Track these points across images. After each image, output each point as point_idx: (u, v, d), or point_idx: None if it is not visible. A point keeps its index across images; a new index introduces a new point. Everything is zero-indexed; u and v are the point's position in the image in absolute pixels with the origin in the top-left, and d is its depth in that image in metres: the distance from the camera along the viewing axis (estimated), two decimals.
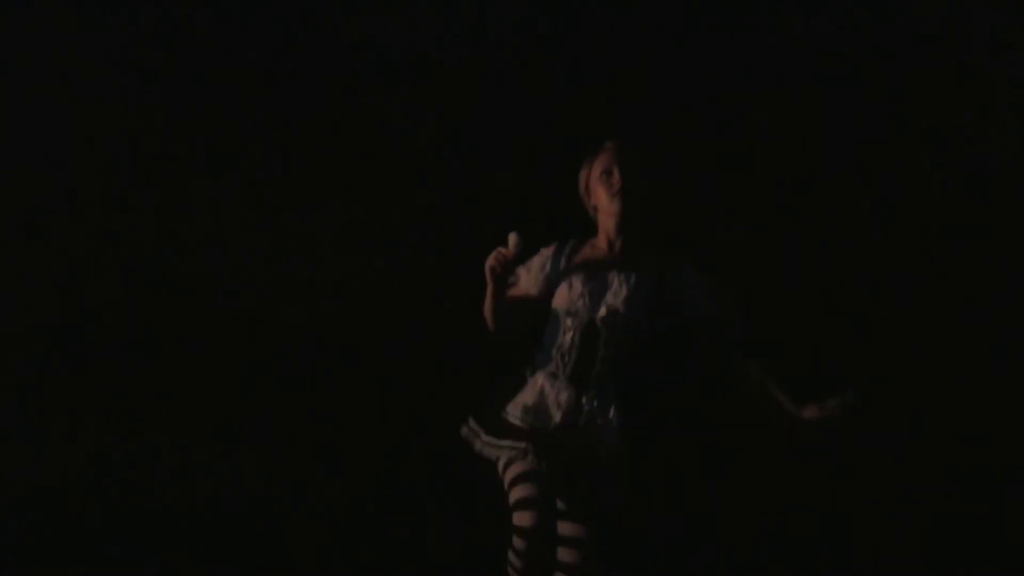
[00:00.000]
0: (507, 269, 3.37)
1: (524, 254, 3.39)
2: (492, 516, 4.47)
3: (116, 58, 4.68)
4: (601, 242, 3.56)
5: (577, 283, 3.46)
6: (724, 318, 3.47)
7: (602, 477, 3.37)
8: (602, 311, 3.42)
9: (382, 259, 4.64)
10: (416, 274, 4.63)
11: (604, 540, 3.38)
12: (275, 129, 4.68)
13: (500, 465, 3.39)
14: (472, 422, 3.48)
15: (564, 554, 3.36)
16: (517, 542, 3.25)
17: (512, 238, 3.35)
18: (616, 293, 3.43)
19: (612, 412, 3.37)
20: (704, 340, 3.49)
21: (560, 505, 3.37)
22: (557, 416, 3.38)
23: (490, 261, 3.35)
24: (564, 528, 3.37)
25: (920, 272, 4.57)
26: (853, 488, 4.52)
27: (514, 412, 3.43)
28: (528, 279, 3.58)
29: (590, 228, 3.59)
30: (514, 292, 3.56)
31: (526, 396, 3.45)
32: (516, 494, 3.29)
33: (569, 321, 3.44)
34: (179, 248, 4.68)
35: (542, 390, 3.42)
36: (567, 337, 3.44)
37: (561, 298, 3.48)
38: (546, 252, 3.61)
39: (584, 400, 3.38)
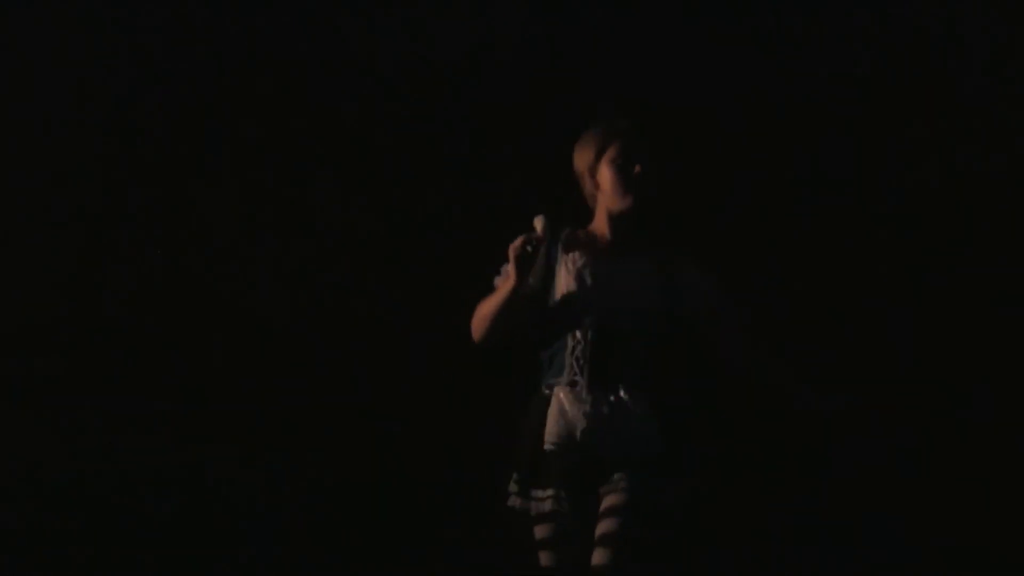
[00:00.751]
0: (537, 253, 3.09)
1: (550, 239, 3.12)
2: (491, 517, 4.50)
3: (118, 57, 4.68)
4: (600, 228, 3.28)
5: (583, 279, 3.21)
6: (725, 307, 3.26)
7: (646, 476, 3.13)
8: (615, 306, 3.18)
9: (383, 260, 4.64)
10: (417, 274, 4.63)
11: (650, 540, 3.11)
12: (276, 129, 4.69)
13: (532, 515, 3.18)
14: (514, 478, 3.22)
15: (600, 556, 3.10)
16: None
17: (539, 221, 3.11)
18: (627, 286, 3.20)
19: (644, 407, 3.16)
20: (705, 332, 3.27)
21: (604, 504, 3.13)
22: (583, 423, 3.15)
23: (516, 245, 3.07)
24: (605, 527, 3.12)
25: (920, 272, 4.58)
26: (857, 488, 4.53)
27: (549, 438, 3.17)
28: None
29: (581, 212, 3.32)
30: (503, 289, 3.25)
31: (550, 420, 3.19)
32: (538, 533, 3.15)
33: (579, 321, 3.19)
34: (179, 248, 4.68)
35: (562, 403, 3.18)
36: (579, 339, 3.19)
37: (567, 297, 3.22)
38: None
39: (611, 401, 3.17)
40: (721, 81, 4.64)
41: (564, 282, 3.23)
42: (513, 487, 3.22)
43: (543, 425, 3.18)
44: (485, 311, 3.25)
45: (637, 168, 3.19)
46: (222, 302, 4.66)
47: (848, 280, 4.62)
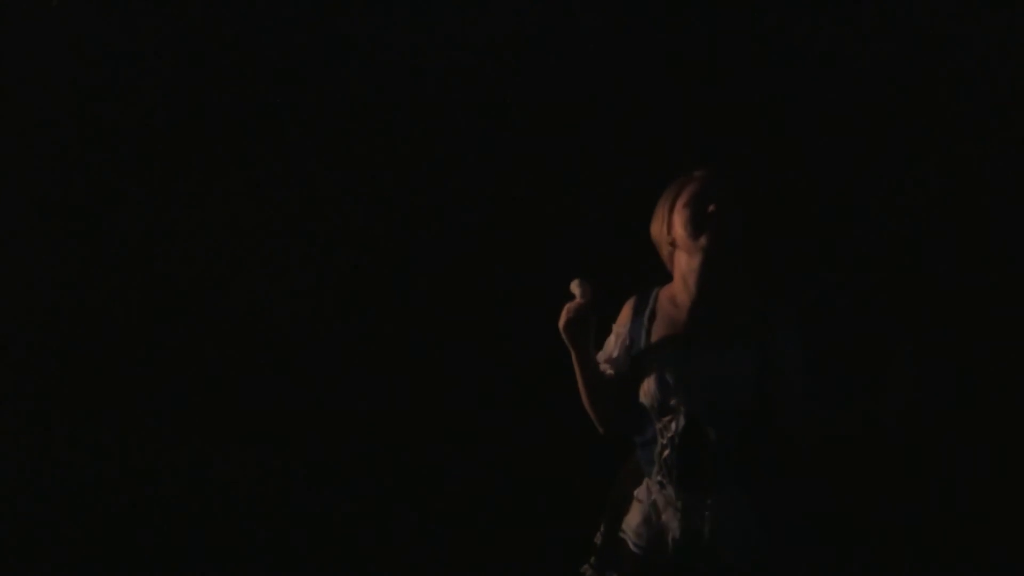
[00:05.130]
0: (586, 320, 2.78)
1: (600, 298, 2.83)
2: (492, 517, 4.50)
3: (117, 57, 4.68)
4: (680, 293, 2.91)
5: (664, 371, 2.85)
6: (806, 382, 2.88)
7: None
8: (706, 406, 2.83)
9: (383, 261, 4.64)
10: (417, 275, 4.63)
11: None
12: (277, 130, 4.69)
13: None
14: (592, 560, 2.96)
15: None
16: None
17: (575, 286, 2.80)
18: (715, 375, 2.83)
19: (743, 508, 2.83)
20: (773, 398, 2.88)
21: None
22: (674, 533, 2.84)
23: (563, 318, 2.78)
24: None
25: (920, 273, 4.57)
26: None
27: (627, 531, 2.91)
28: (617, 357, 2.97)
29: (660, 272, 2.98)
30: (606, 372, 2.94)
31: (635, 512, 2.91)
32: None
33: (662, 419, 2.86)
34: (180, 248, 4.67)
35: (653, 502, 2.88)
36: (664, 438, 2.85)
37: (648, 391, 2.88)
38: (621, 326, 2.98)
39: (702, 511, 2.83)
40: (718, 74, 4.64)
41: (646, 368, 2.90)
42: (590, 567, 2.95)
43: (625, 510, 2.92)
44: (583, 399, 2.95)
45: (711, 207, 2.84)
46: (222, 303, 4.66)
47: (849, 280, 4.62)
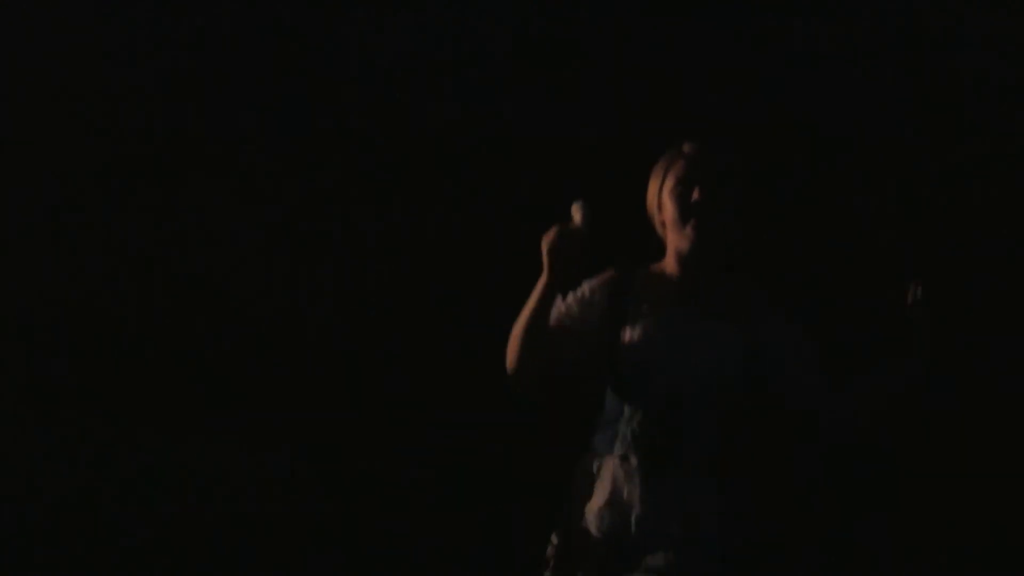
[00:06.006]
0: (572, 244, 2.56)
1: (596, 232, 2.58)
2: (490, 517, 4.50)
3: (118, 57, 4.68)
4: (670, 268, 2.77)
5: (648, 335, 2.69)
6: (807, 362, 2.73)
7: None
8: (686, 374, 2.66)
9: (384, 261, 4.64)
10: (419, 276, 4.63)
11: None
12: (279, 131, 4.69)
13: None
14: (554, 540, 2.74)
15: None
16: None
17: (577, 209, 2.58)
18: (701, 347, 2.69)
19: (711, 505, 2.66)
20: (783, 395, 2.74)
21: None
22: (636, 514, 2.65)
23: (549, 236, 2.56)
24: None
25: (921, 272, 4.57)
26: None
27: (590, 517, 2.70)
28: (573, 313, 2.76)
29: (655, 247, 2.83)
30: (557, 317, 2.73)
31: (598, 494, 2.70)
32: None
33: (640, 387, 2.68)
34: (180, 249, 4.68)
35: (614, 481, 2.67)
36: (639, 408, 2.67)
37: (628, 356, 2.69)
38: (597, 283, 2.79)
39: (670, 491, 2.65)
40: (720, 81, 4.64)
41: (628, 336, 2.72)
42: (551, 555, 2.72)
43: (585, 503, 2.72)
44: (515, 327, 2.71)
45: (695, 194, 2.69)
46: (222, 302, 4.66)
47: (849, 280, 4.63)
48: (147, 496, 4.57)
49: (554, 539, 2.73)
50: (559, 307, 2.75)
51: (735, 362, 2.69)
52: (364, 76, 4.68)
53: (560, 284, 2.64)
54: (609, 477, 2.69)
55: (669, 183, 2.74)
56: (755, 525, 2.69)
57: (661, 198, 2.76)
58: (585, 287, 2.78)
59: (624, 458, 2.67)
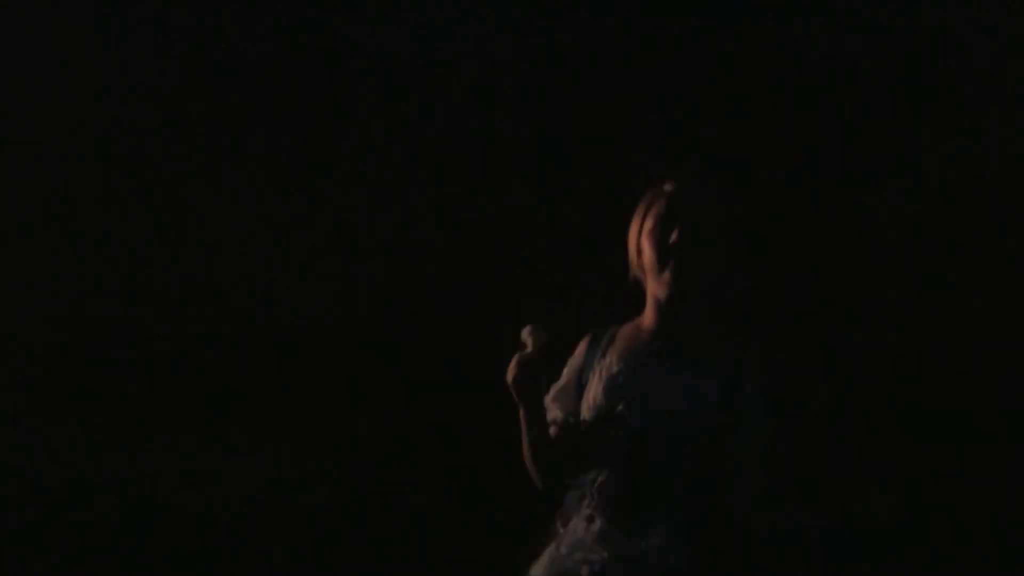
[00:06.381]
0: (535, 372, 2.42)
1: (555, 348, 2.46)
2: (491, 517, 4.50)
3: (120, 57, 4.68)
4: (648, 321, 2.55)
5: (613, 377, 2.49)
6: (761, 457, 2.48)
7: None
8: (655, 423, 2.43)
9: (383, 260, 4.64)
10: (419, 276, 4.63)
11: None
12: (278, 129, 4.69)
13: None
14: None
15: None
16: None
17: (526, 332, 2.46)
18: (670, 388, 2.46)
19: (672, 558, 2.42)
20: (726, 464, 2.47)
21: None
22: (599, 565, 2.42)
23: (511, 371, 2.42)
24: None
25: (921, 273, 4.58)
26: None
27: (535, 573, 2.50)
28: (563, 398, 2.59)
29: (638, 302, 2.60)
30: (552, 420, 2.57)
31: (543, 559, 2.51)
32: None
33: (606, 435, 2.46)
34: (180, 250, 4.68)
35: (576, 542, 2.47)
36: (604, 456, 2.46)
37: (591, 403, 2.50)
38: (575, 359, 2.62)
39: (641, 547, 2.42)
40: (719, 75, 4.64)
41: (592, 393, 2.52)
42: None
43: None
44: (525, 458, 2.57)
45: (674, 235, 2.46)
46: (222, 303, 4.66)
47: (851, 280, 4.63)
48: (147, 496, 4.58)
49: None
50: (554, 392, 2.60)
51: (707, 409, 2.45)
52: (363, 76, 4.68)
53: (535, 408, 2.50)
54: (568, 538, 2.50)
55: (648, 225, 2.53)
56: None
57: (640, 243, 2.55)
58: (571, 360, 2.63)
59: (589, 519, 2.49)
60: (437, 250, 4.63)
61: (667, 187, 2.55)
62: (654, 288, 2.52)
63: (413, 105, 4.68)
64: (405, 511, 4.59)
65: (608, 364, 2.51)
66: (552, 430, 2.57)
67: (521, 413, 2.50)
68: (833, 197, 4.64)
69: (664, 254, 2.47)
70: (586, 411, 2.51)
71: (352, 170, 4.68)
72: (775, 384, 2.52)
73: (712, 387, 2.46)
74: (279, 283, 4.67)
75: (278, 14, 4.68)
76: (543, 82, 4.66)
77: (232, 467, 4.60)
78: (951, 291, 4.60)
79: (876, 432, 4.36)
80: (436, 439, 4.58)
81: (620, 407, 2.46)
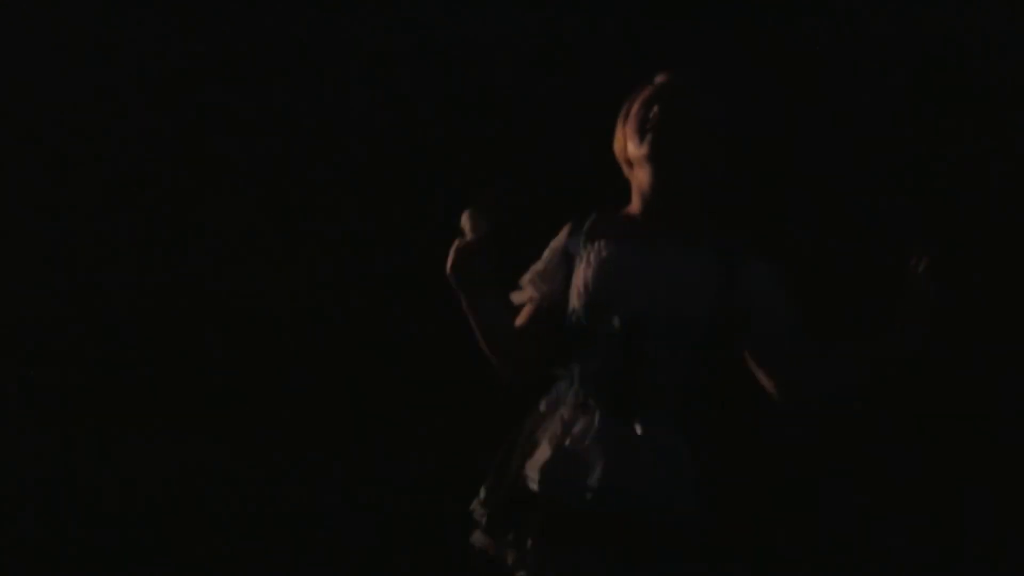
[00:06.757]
0: (476, 260, 2.35)
1: (502, 240, 2.37)
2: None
3: (117, 56, 4.68)
4: (635, 209, 2.43)
5: (606, 272, 2.34)
6: (791, 328, 2.36)
7: (674, 550, 2.29)
8: (650, 307, 2.30)
9: (382, 260, 4.64)
10: (419, 276, 4.62)
11: None
12: (278, 129, 4.68)
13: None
14: (481, 497, 2.40)
15: None
16: None
17: (465, 217, 2.38)
18: (669, 282, 2.32)
19: (679, 454, 2.30)
20: (758, 352, 2.37)
21: None
22: (597, 470, 2.27)
23: (450, 260, 2.38)
24: None
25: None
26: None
27: (531, 474, 2.35)
28: (543, 281, 2.46)
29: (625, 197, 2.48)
30: (523, 302, 2.47)
31: (543, 448, 2.35)
32: None
33: (597, 323, 2.33)
34: (179, 250, 4.67)
35: (567, 433, 2.32)
36: (597, 347, 2.33)
37: (581, 290, 2.36)
38: (557, 241, 2.49)
39: (634, 439, 2.29)
40: (730, 79, 4.64)
41: (581, 278, 2.38)
42: (479, 511, 2.40)
43: (527, 456, 2.37)
44: (483, 349, 2.47)
45: (655, 110, 2.35)
46: (221, 303, 4.66)
47: (852, 280, 4.62)
48: (146, 496, 4.57)
49: (482, 493, 2.41)
50: (526, 289, 2.50)
51: (703, 293, 2.32)
52: (363, 75, 4.67)
53: (478, 297, 2.42)
54: (560, 427, 2.35)
55: (632, 109, 2.42)
56: (727, 488, 2.35)
57: (624, 131, 2.44)
58: (552, 243, 2.52)
59: (583, 407, 2.35)
60: (437, 250, 4.62)
61: (658, 78, 2.46)
62: (638, 175, 2.41)
63: (413, 105, 4.67)
64: (405, 511, 4.58)
65: (597, 248, 2.38)
66: (526, 310, 2.47)
67: (464, 302, 2.42)
68: (833, 197, 4.63)
69: (643, 132, 2.36)
70: (576, 298, 2.38)
71: (352, 170, 4.67)
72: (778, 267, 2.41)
73: (711, 273, 2.34)
74: (279, 283, 4.67)
75: (278, 14, 4.68)
76: (543, 82, 4.66)
77: (232, 467, 4.59)
78: (950, 291, 4.59)
79: (875, 432, 4.36)
80: (436, 439, 4.58)
81: (611, 296, 2.33)
